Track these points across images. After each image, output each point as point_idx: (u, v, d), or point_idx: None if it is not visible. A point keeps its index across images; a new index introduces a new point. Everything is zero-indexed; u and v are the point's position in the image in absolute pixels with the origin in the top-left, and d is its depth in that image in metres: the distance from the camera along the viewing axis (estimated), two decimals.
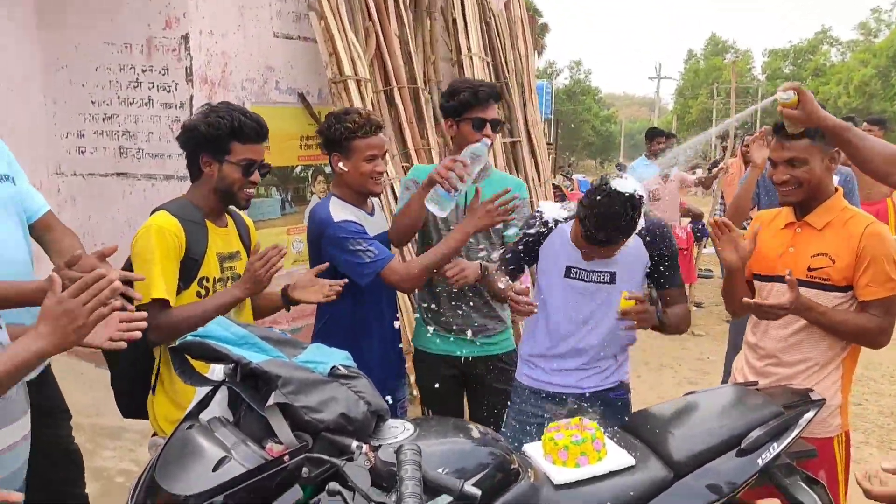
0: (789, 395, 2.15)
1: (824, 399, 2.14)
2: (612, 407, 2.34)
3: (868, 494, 1.27)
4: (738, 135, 7.49)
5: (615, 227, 2.02)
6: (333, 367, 1.70)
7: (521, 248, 2.39)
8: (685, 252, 6.54)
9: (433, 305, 2.68)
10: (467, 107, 2.56)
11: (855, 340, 2.22)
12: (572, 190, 8.74)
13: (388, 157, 4.02)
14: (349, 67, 4.04)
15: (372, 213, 2.63)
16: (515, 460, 1.86)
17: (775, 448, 1.97)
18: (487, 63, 5.27)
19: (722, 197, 6.64)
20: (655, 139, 7.14)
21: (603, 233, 2.03)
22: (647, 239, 2.25)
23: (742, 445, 1.95)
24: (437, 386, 2.64)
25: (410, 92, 4.51)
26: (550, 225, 2.30)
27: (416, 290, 2.82)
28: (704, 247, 6.94)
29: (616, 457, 1.92)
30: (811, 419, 2.06)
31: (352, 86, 4.04)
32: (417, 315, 2.81)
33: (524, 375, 2.46)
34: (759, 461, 1.94)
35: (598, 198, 2.00)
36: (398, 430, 1.78)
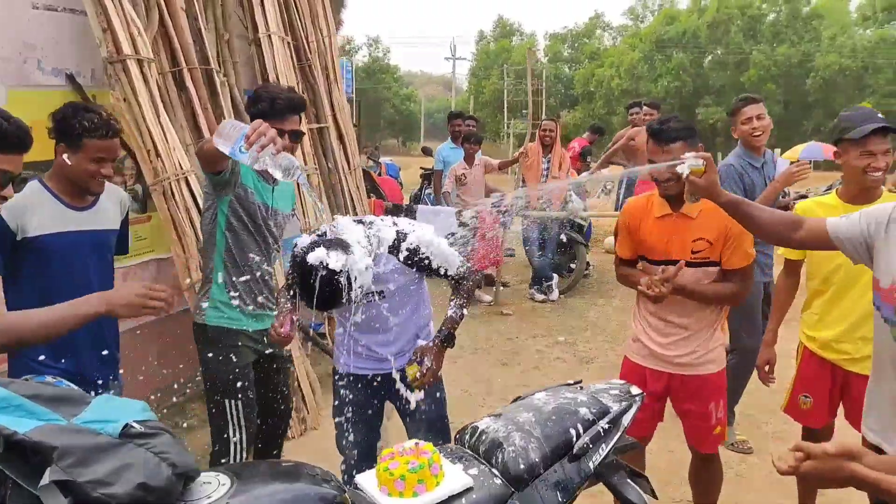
0: (612, 391, 2.20)
1: (643, 393, 2.22)
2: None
3: (779, 471, 1.44)
4: (536, 124, 7.83)
5: (330, 304, 2.07)
6: (126, 424, 1.41)
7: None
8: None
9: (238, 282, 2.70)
10: (265, 117, 2.42)
11: (720, 304, 2.68)
12: (380, 174, 8.64)
13: (173, 146, 3.62)
14: (128, 45, 3.53)
15: (85, 209, 2.52)
16: (348, 499, 1.69)
17: (605, 448, 2.00)
18: (288, 43, 4.93)
19: (523, 180, 6.89)
20: (454, 121, 7.34)
21: (324, 307, 2.08)
22: (407, 258, 2.34)
23: (574, 451, 1.95)
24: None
25: (203, 74, 4.07)
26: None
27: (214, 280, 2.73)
28: (508, 228, 7.18)
29: (454, 479, 1.82)
30: (634, 415, 2.12)
31: (132, 66, 3.54)
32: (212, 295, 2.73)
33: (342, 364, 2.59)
34: (591, 464, 1.96)
35: (300, 278, 2.06)
36: (211, 488, 1.53)
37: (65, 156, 2.38)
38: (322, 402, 4.48)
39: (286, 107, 2.60)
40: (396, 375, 2.44)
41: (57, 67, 3.59)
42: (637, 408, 2.14)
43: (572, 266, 7.46)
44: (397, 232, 2.31)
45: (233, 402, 2.72)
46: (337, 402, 2.61)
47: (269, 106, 2.57)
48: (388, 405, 2.72)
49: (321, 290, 1.99)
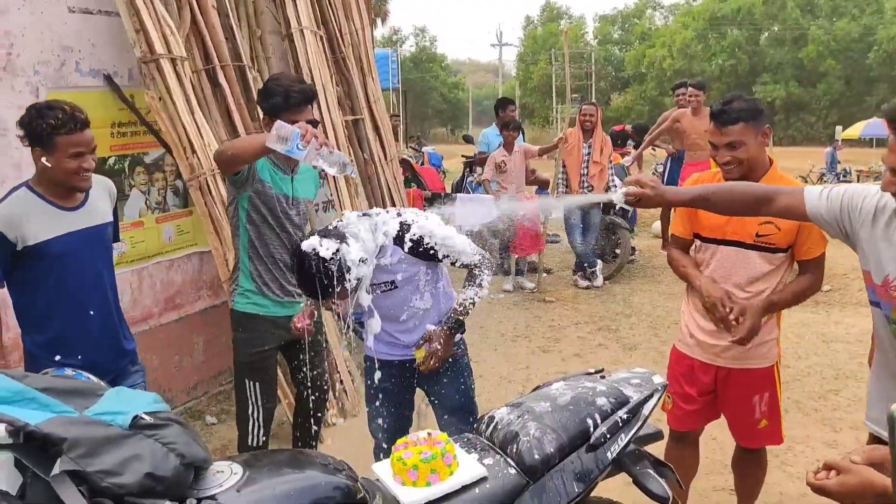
0: (633, 380, 2.15)
1: (666, 383, 2.17)
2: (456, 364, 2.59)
3: (820, 491, 1.33)
4: (576, 106, 7.71)
5: (319, 290, 2.13)
6: (136, 416, 1.45)
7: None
8: (532, 222, 6.65)
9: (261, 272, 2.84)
10: (279, 110, 2.65)
11: (801, 300, 2.53)
12: (422, 164, 8.64)
13: (208, 142, 3.70)
14: (160, 44, 3.62)
15: (77, 208, 2.50)
16: (360, 488, 1.71)
17: (623, 438, 1.96)
18: (321, 37, 4.97)
19: (564, 165, 6.79)
20: (508, 108, 7.26)
21: (312, 293, 2.16)
22: (411, 249, 2.35)
23: (591, 440, 1.91)
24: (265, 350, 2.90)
25: (236, 70, 4.14)
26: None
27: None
28: (550, 214, 7.10)
29: (468, 469, 1.82)
30: (655, 405, 2.07)
31: (165, 65, 3.63)
32: (241, 281, 2.88)
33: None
34: (610, 454, 1.92)
35: (294, 264, 2.16)
36: (224, 476, 1.56)
37: (43, 159, 2.34)
38: (361, 388, 4.53)
39: (301, 99, 2.71)
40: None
41: (94, 69, 3.70)
42: (659, 397, 2.09)
43: (616, 252, 7.33)
44: (401, 223, 2.34)
45: (252, 382, 2.91)
46: (368, 388, 2.68)
47: (284, 100, 2.68)
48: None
49: (312, 277, 2.08)
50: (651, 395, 2.05)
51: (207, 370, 4.52)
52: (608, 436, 1.92)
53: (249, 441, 2.98)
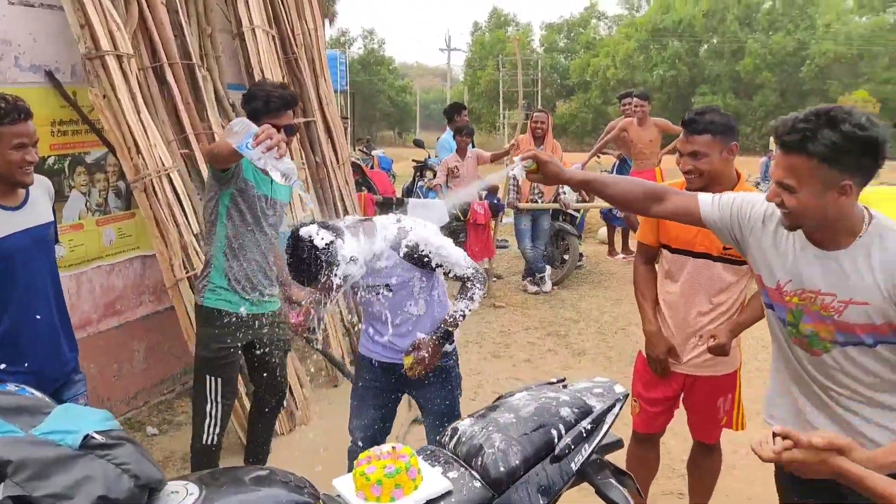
0: (595, 389, 2.16)
1: (628, 392, 2.18)
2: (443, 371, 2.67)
3: (761, 457, 1.43)
4: (527, 113, 7.77)
5: (305, 276, 2.20)
6: (87, 435, 1.37)
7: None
8: (483, 227, 6.66)
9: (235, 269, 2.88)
10: (260, 113, 2.72)
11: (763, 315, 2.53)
12: (372, 167, 8.57)
13: (154, 143, 3.57)
14: (107, 41, 3.46)
15: (19, 207, 2.40)
16: None
17: (587, 449, 1.96)
18: (273, 37, 4.86)
19: None
20: (462, 113, 7.30)
21: (299, 278, 2.23)
22: (406, 255, 2.42)
23: (555, 452, 1.91)
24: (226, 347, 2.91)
25: (184, 69, 4.00)
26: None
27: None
28: (501, 220, 7.13)
29: (433, 483, 1.79)
30: (617, 414, 2.08)
31: (111, 62, 3.48)
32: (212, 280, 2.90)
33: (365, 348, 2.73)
34: (574, 465, 1.92)
35: (289, 246, 2.20)
36: (179, 497, 1.49)
37: None
38: (312, 397, 4.44)
39: (281, 104, 2.80)
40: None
41: (35, 64, 3.52)
42: (621, 407, 2.10)
43: (565, 257, 7.41)
44: (399, 229, 2.42)
45: (213, 378, 2.94)
46: (355, 385, 2.79)
47: (264, 104, 2.76)
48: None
49: (301, 261, 2.15)
50: (614, 405, 2.06)
51: (148, 379, 4.35)
52: (572, 447, 1.92)
53: (204, 439, 2.99)
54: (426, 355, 2.49)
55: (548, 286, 6.99)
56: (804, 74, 35.01)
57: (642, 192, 2.03)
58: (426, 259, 2.42)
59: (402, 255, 2.41)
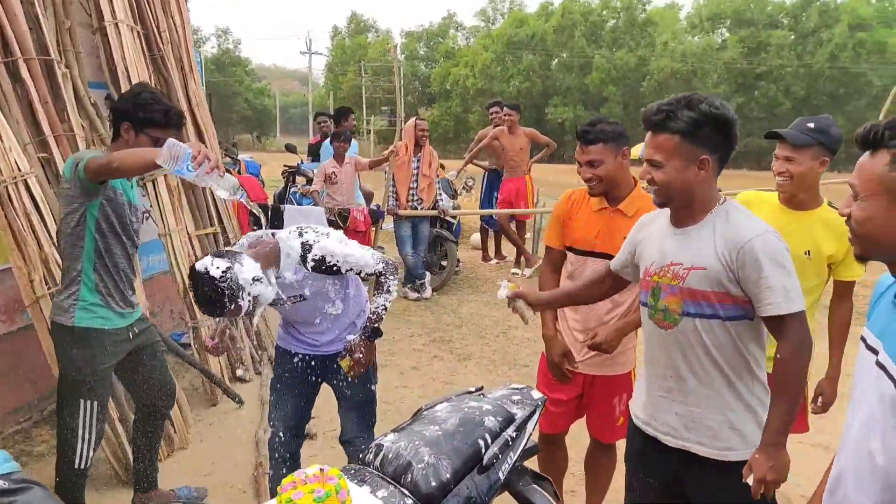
0: (514, 396, 2.17)
1: (546, 397, 2.22)
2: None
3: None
4: (390, 119, 7.81)
5: (214, 309, 2.19)
6: None
7: None
8: (363, 234, 6.57)
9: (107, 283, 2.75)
10: (152, 124, 2.64)
11: None
12: (239, 172, 8.19)
13: (9, 146, 3.21)
14: None
15: None
16: None
17: (513, 456, 1.97)
18: (137, 33, 4.52)
19: (393, 178, 6.80)
20: (349, 118, 7.28)
21: (208, 312, 2.22)
22: (314, 267, 2.46)
23: (483, 462, 1.90)
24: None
25: (42, 65, 3.62)
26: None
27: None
28: (381, 227, 7.07)
29: None
30: (538, 420, 2.10)
31: None
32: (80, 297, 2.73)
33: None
34: (501, 474, 1.92)
35: (191, 285, 2.19)
36: None
37: None
38: (191, 418, 4.17)
39: (178, 122, 2.74)
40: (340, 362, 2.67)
41: None
42: (540, 412, 2.13)
43: (443, 263, 7.48)
44: (302, 244, 2.41)
45: (89, 402, 2.78)
46: (274, 377, 2.86)
47: (164, 116, 2.66)
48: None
49: (205, 296, 2.14)
50: (534, 411, 2.08)
51: (2, 407, 3.89)
52: (499, 455, 1.91)
53: (77, 463, 2.79)
54: (361, 356, 2.60)
55: (428, 292, 7.02)
56: (645, 89, 37.77)
57: (599, 279, 2.36)
58: (335, 268, 2.46)
59: (310, 268, 2.44)
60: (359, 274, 2.57)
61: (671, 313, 1.96)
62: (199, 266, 2.15)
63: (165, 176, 4.45)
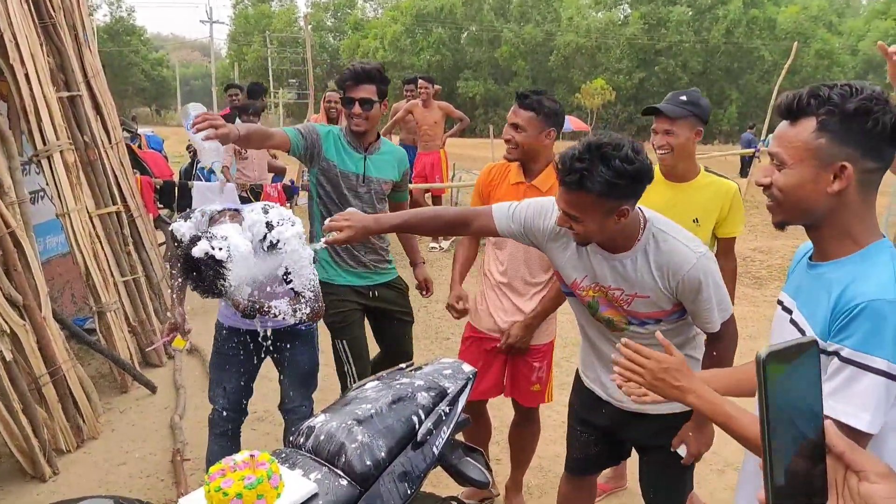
0: (445, 370, 2.17)
1: (476, 370, 2.23)
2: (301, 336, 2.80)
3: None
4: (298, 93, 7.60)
5: (218, 293, 2.16)
6: None
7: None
8: None
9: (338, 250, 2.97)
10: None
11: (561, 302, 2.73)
12: (140, 147, 7.76)
13: None
14: None
15: None
16: None
17: (446, 431, 1.97)
18: None
19: None
20: (230, 91, 6.95)
21: (215, 295, 2.19)
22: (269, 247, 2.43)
23: (417, 438, 1.89)
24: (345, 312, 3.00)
25: None
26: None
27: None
28: (296, 203, 6.89)
29: (297, 488, 1.67)
30: (468, 394, 2.11)
31: None
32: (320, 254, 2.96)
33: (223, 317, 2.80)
34: (435, 449, 1.92)
35: (187, 268, 2.14)
36: None
37: None
38: (100, 406, 3.96)
39: (351, 76, 2.92)
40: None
41: None
42: (472, 385, 2.14)
43: None
44: (267, 223, 2.40)
45: (340, 341, 3.04)
46: (214, 353, 2.82)
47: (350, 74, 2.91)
48: None
49: (210, 280, 2.11)
50: (466, 384, 2.09)
51: None
52: (433, 430, 1.91)
53: None
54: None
55: None
56: (552, 63, 38.39)
57: (444, 223, 2.26)
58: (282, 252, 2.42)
59: (266, 247, 2.40)
60: (285, 276, 2.45)
61: (616, 323, 2.04)
62: (197, 252, 2.08)
63: (62, 152, 4.17)
